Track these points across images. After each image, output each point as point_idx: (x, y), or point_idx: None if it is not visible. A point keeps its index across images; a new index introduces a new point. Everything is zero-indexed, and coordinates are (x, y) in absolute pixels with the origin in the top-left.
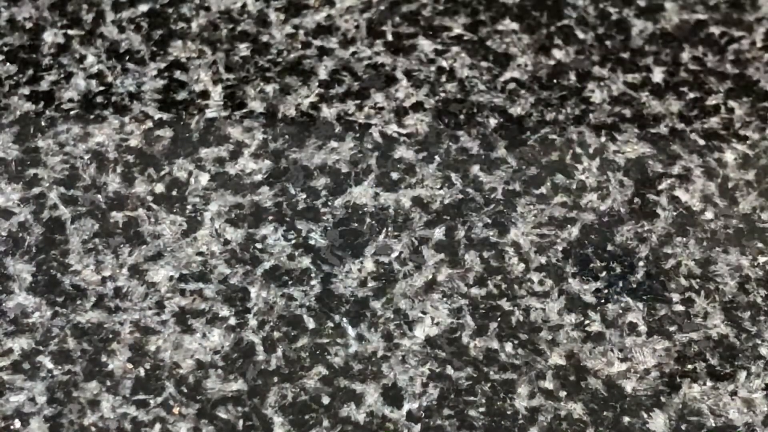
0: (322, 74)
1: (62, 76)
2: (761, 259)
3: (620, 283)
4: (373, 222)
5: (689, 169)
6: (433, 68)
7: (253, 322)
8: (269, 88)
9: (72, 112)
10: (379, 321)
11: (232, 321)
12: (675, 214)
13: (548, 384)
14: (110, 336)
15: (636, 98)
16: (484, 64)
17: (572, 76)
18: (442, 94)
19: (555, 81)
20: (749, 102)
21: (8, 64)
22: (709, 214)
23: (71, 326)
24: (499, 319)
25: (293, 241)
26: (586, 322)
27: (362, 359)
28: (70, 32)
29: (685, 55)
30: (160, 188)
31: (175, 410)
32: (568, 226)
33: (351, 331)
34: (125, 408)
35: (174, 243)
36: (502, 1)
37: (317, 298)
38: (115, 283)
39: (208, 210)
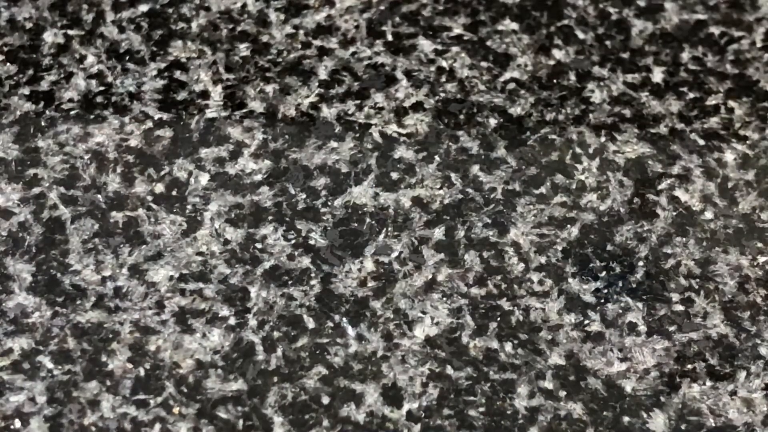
0: (322, 74)
1: (62, 76)
2: (761, 259)
3: (620, 283)
4: (373, 222)
5: (689, 169)
6: (433, 68)
7: (253, 322)
8: (269, 88)
9: (72, 112)
10: (379, 321)
11: (232, 321)
12: (675, 214)
13: (548, 384)
14: (110, 336)
15: (636, 98)
16: (484, 64)
17: (572, 76)
18: (442, 94)
19: (555, 81)
20: (749, 102)
21: (8, 64)
22: (708, 214)
23: (71, 326)
24: (499, 319)
25: (293, 241)
26: (586, 322)
27: (362, 359)
28: (70, 32)
29: (685, 55)
30: (160, 188)
31: (175, 410)
32: (568, 226)
33: (351, 331)
34: (125, 408)
35: (174, 243)
36: (502, 1)
37: (317, 298)
38: (115, 282)
39: (208, 210)
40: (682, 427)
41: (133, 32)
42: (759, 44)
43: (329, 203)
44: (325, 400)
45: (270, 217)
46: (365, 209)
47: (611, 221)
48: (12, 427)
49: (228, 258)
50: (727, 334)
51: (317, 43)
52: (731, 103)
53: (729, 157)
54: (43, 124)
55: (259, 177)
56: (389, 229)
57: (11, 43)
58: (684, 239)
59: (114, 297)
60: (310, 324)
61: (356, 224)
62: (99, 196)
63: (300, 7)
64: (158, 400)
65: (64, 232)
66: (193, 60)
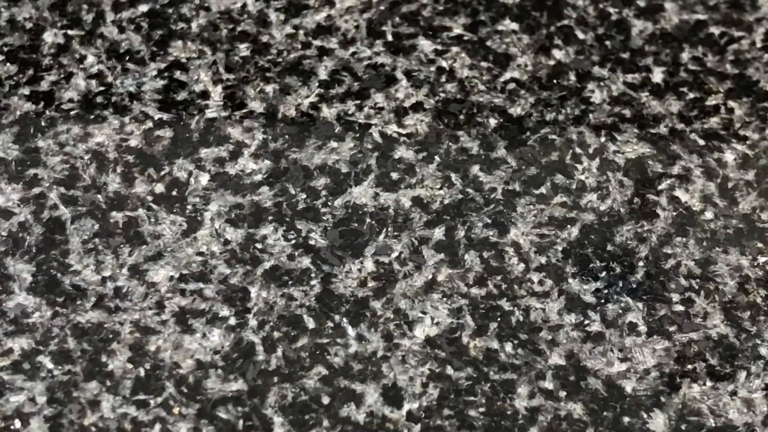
0: (322, 74)
1: (62, 76)
2: (761, 259)
3: (620, 283)
4: (373, 222)
5: (689, 169)
6: (433, 68)
7: (253, 322)
8: (269, 88)
9: (72, 113)
10: (379, 321)
11: (232, 321)
12: (675, 214)
13: (548, 384)
14: (110, 336)
15: (636, 98)
16: (484, 64)
17: (572, 77)
18: (442, 94)
19: (555, 81)
20: (749, 102)
21: (8, 64)
22: (708, 214)
23: (71, 326)
24: (499, 319)
25: (293, 241)
26: (586, 322)
27: (362, 359)
28: (70, 32)
29: (685, 56)
30: (160, 188)
31: (175, 410)
32: (568, 226)
33: (351, 331)
34: (125, 408)
35: (174, 243)
36: (502, 1)
37: (317, 298)
38: (115, 283)
39: (208, 210)
40: (683, 427)
41: (133, 32)
42: (759, 44)
43: (329, 203)
44: (325, 400)
45: (270, 217)
46: (365, 209)
47: (611, 221)
48: (12, 427)
49: (228, 258)
50: (727, 335)
51: (317, 43)
52: (731, 103)
53: (729, 157)
54: (43, 124)
55: (259, 177)
56: (389, 229)
57: (11, 43)
58: (684, 239)
59: (114, 297)
60: (310, 324)
61: (356, 224)
62: (99, 196)
63: (300, 7)
64: (158, 401)
65: (65, 233)
66: (193, 60)
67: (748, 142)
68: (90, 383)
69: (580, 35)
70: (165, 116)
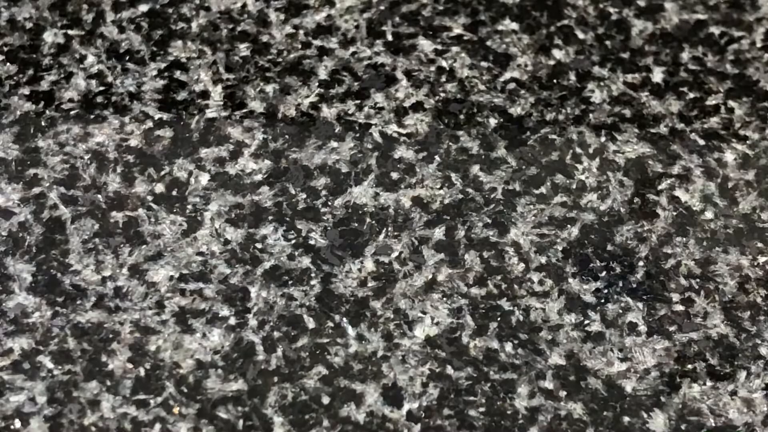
0: (322, 74)
1: (62, 76)
2: (761, 259)
3: (620, 283)
4: (373, 222)
5: (689, 169)
6: (433, 68)
7: (253, 322)
8: (269, 88)
9: (72, 112)
10: (379, 321)
11: (232, 321)
12: (675, 214)
13: (548, 384)
14: (110, 336)
15: (636, 98)
16: (484, 64)
17: (572, 76)
18: (442, 94)
19: (555, 81)
20: (749, 102)
21: (8, 64)
22: (708, 214)
23: (71, 326)
24: (499, 319)
25: (293, 241)
26: (586, 322)
27: (362, 359)
28: (71, 32)
29: (685, 55)
30: (160, 188)
31: (175, 410)
32: (568, 226)
33: (351, 331)
34: (125, 408)
35: (174, 243)
36: (502, 1)
37: (317, 298)
38: (115, 282)
39: (208, 210)
40: (683, 427)
41: (133, 32)
42: (759, 44)
43: (329, 203)
44: (325, 400)
45: (270, 217)
46: (365, 209)
47: (611, 221)
48: (12, 427)
49: (228, 258)
50: (727, 334)
51: (317, 43)
52: (731, 103)
53: (729, 157)
54: (43, 124)
55: (259, 177)
56: (389, 229)
57: (11, 43)
58: (684, 239)
59: (114, 297)
60: (310, 324)
61: (356, 224)
62: (99, 196)
63: (300, 7)
64: (158, 400)
65: (65, 232)
66: (193, 60)
67: (748, 141)
68: (90, 383)
69: (580, 35)
70: (165, 116)
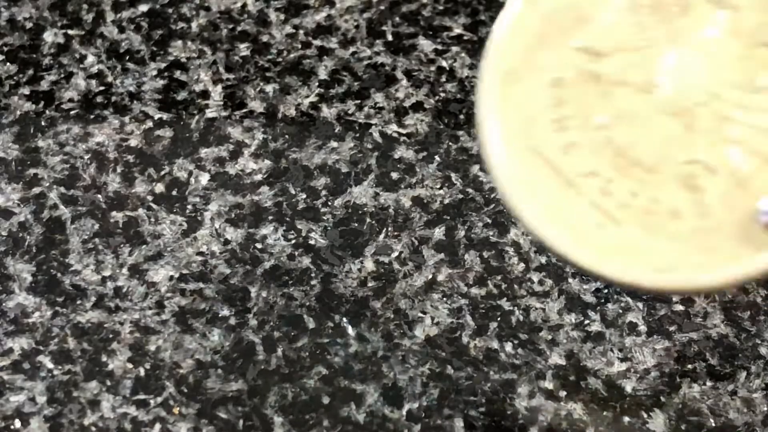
0: (322, 74)
1: (62, 76)
2: None
3: None
4: (373, 222)
5: None
6: (433, 68)
7: (253, 322)
8: (269, 88)
9: (72, 112)
10: (379, 321)
11: (232, 321)
12: None
13: (548, 384)
14: (110, 336)
15: None
16: None
17: None
18: (442, 94)
19: None
20: None
21: (8, 63)
22: None
23: (71, 326)
24: (499, 319)
25: (293, 241)
26: (586, 321)
27: (362, 359)
28: (71, 32)
29: None
30: (160, 188)
31: (175, 410)
32: None
33: (351, 331)
34: (125, 408)
35: (174, 243)
36: (503, 1)
37: (317, 298)
38: (115, 282)
39: (208, 210)
40: (683, 427)
41: (133, 32)
42: None
43: (329, 203)
44: (325, 400)
45: (270, 217)
46: (365, 209)
47: None
48: (12, 427)
49: (228, 258)
50: (727, 334)
51: (317, 42)
52: None
53: None
54: (43, 124)
55: (259, 177)
56: (389, 229)
57: (11, 43)
58: None
59: (114, 297)
60: (310, 324)
61: (356, 224)
62: (99, 196)
63: (300, 7)
64: (158, 400)
65: (64, 232)
66: (193, 60)
67: None
68: (90, 383)
69: None
70: (165, 116)
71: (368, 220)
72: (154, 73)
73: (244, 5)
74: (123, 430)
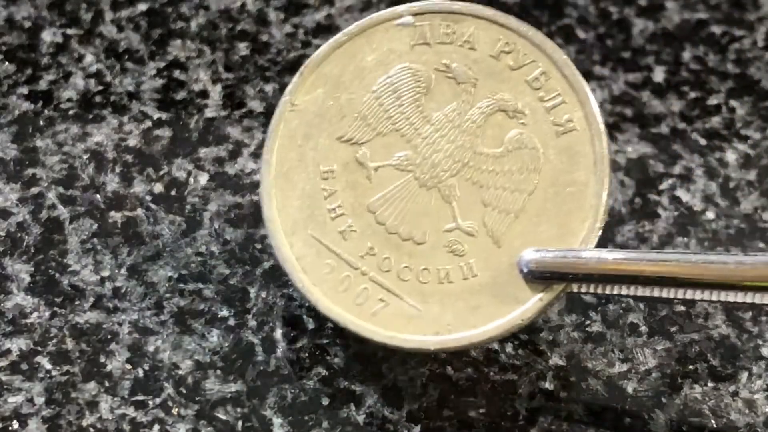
0: None
1: (61, 75)
2: None
3: None
4: None
5: (690, 168)
6: None
7: (252, 323)
8: (269, 88)
9: (70, 112)
10: None
11: (232, 321)
12: (676, 214)
13: (548, 384)
14: (109, 336)
15: (637, 98)
16: None
17: None
18: None
19: None
20: (750, 101)
21: (7, 63)
22: (710, 214)
23: (70, 327)
24: None
25: None
26: (587, 322)
27: (362, 360)
28: (69, 31)
29: (687, 55)
30: (159, 188)
31: (174, 411)
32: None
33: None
34: (124, 409)
35: (173, 243)
36: (503, 1)
37: None
38: (113, 283)
39: (208, 210)
40: (684, 428)
41: (132, 31)
42: (761, 44)
43: None
44: (325, 400)
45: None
46: None
47: (612, 221)
48: (10, 428)
49: (227, 258)
50: (728, 335)
51: (317, 42)
52: (733, 103)
53: (731, 156)
54: (41, 123)
55: (258, 177)
56: None
57: (9, 43)
58: (685, 239)
59: (113, 297)
60: (310, 324)
61: None
62: (98, 195)
63: (300, 6)
64: (157, 401)
65: (63, 232)
66: (193, 59)
67: (749, 141)
68: (88, 384)
69: (581, 34)
70: (164, 116)
71: None
72: (153, 72)
73: (244, 4)
74: (122, 431)
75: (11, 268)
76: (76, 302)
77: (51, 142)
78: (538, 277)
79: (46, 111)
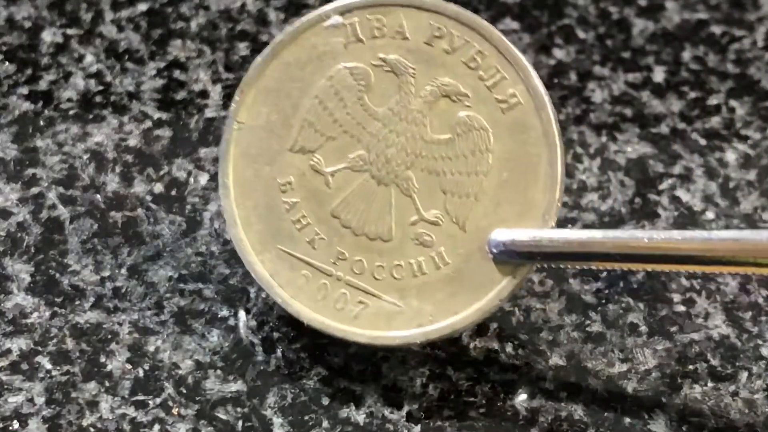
0: None
1: (61, 75)
2: None
3: (621, 283)
4: None
5: (690, 168)
6: None
7: (252, 323)
8: None
9: (71, 112)
10: None
11: (232, 321)
12: (676, 214)
13: (549, 384)
14: (109, 336)
15: (637, 98)
16: None
17: (573, 76)
18: None
19: (555, 80)
20: (750, 101)
21: (7, 63)
22: (710, 214)
23: (70, 326)
24: (499, 319)
25: None
26: (587, 322)
27: (362, 360)
28: (69, 31)
29: (686, 55)
30: (159, 188)
31: (174, 411)
32: (569, 226)
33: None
34: (124, 409)
35: (173, 243)
36: (503, 1)
37: None
38: (114, 283)
39: (208, 210)
40: (684, 428)
41: (132, 31)
42: (760, 44)
43: None
44: (325, 400)
45: None
46: None
47: (612, 221)
48: (10, 428)
49: (227, 258)
50: (728, 335)
51: None
52: (732, 103)
53: (730, 156)
54: (41, 123)
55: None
56: None
57: (9, 43)
58: None
59: (113, 297)
60: None
61: None
62: (98, 196)
63: (300, 6)
64: (157, 401)
65: (63, 232)
66: (193, 59)
67: (749, 141)
68: (89, 384)
69: (581, 34)
70: (164, 116)
71: None
72: (153, 72)
73: (244, 4)
74: (122, 431)
75: (11, 268)
76: (77, 302)
77: (51, 142)
78: (509, 257)
79: (46, 111)
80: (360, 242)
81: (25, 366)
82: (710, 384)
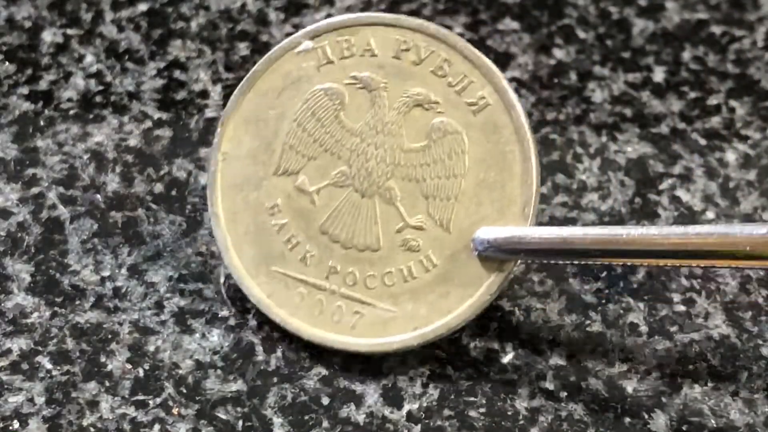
0: None
1: (61, 75)
2: None
3: (621, 283)
4: None
5: (690, 168)
6: None
7: (252, 323)
8: None
9: (71, 112)
10: None
11: (232, 321)
12: (676, 214)
13: (549, 384)
14: (109, 336)
15: (637, 98)
16: None
17: (573, 76)
18: None
19: (555, 80)
20: (750, 101)
21: (7, 63)
22: (710, 214)
23: (70, 326)
24: (499, 319)
25: None
26: (587, 322)
27: (362, 359)
28: (69, 31)
29: (686, 55)
30: (159, 188)
31: (175, 411)
32: (569, 226)
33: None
34: (124, 408)
35: (173, 243)
36: (503, 0)
37: None
38: (114, 283)
39: (208, 210)
40: (684, 427)
41: (132, 31)
42: (760, 44)
43: None
44: (325, 400)
45: None
46: None
47: (612, 221)
48: (11, 428)
49: None
50: (728, 335)
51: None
52: (732, 103)
53: (730, 156)
54: (41, 123)
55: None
56: None
57: (10, 43)
58: None
59: (113, 297)
60: None
61: None
62: (98, 195)
63: (300, 6)
64: (157, 401)
65: (63, 232)
66: (193, 59)
67: (749, 141)
68: (89, 383)
69: (581, 34)
70: (164, 116)
71: None
72: (154, 72)
73: (244, 4)
74: (122, 431)
75: (12, 268)
76: (77, 302)
77: (51, 142)
78: (493, 254)
79: (46, 111)
80: (350, 255)
81: (25, 366)
82: (710, 384)
